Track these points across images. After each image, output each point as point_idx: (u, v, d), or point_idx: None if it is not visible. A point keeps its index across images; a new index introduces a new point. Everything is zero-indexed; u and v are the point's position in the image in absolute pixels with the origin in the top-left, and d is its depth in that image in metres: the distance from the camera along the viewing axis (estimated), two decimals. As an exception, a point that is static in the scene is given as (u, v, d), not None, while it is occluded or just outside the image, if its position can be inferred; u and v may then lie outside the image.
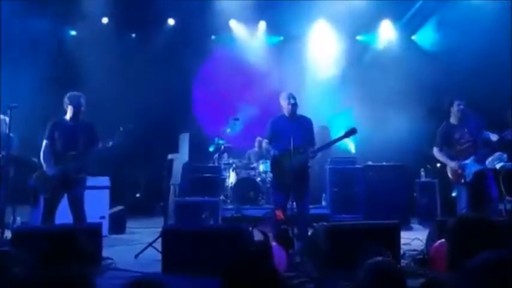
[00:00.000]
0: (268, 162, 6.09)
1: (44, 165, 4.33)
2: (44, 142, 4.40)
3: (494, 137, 4.57)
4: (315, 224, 4.44)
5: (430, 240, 3.98)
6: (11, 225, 4.40)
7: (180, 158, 5.03)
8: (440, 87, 6.91)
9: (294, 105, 4.80)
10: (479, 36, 6.75)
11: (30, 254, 2.14)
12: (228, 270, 1.61)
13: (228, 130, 7.35)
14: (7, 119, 4.48)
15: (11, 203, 4.56)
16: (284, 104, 4.88)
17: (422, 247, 4.28)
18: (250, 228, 3.92)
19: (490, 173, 4.63)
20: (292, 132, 4.60)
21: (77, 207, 4.35)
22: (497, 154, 4.55)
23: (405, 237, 4.49)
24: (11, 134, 4.44)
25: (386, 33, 8.38)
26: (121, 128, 4.42)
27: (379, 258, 1.82)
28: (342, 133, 4.85)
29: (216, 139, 7.22)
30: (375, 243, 3.05)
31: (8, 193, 4.39)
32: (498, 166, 4.56)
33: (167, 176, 4.91)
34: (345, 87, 8.05)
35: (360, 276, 1.74)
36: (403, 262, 3.95)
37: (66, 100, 4.48)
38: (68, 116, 4.47)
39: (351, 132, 4.76)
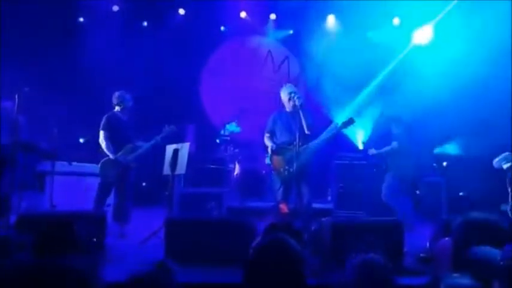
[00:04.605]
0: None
1: (111, 154, 5.00)
2: (102, 133, 5.05)
3: None
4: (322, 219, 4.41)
5: (434, 238, 3.94)
6: (16, 210, 4.44)
7: (186, 147, 5.05)
8: (447, 88, 6.79)
9: (296, 100, 4.72)
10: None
11: (33, 239, 2.15)
12: (255, 254, 1.54)
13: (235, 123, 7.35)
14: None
15: (17, 188, 4.62)
16: (285, 99, 4.83)
17: (425, 245, 4.24)
18: (256, 221, 3.91)
19: None
20: (293, 127, 4.56)
21: (127, 187, 5.09)
22: (504, 154, 4.48)
23: (408, 235, 4.46)
24: (20, 118, 4.49)
25: (395, 30, 8.25)
26: (166, 127, 5.15)
27: (368, 254, 1.79)
28: (339, 124, 4.75)
29: (228, 126, 7.21)
30: (369, 240, 2.99)
31: (14, 178, 4.44)
32: (505, 166, 4.49)
33: (172, 166, 4.92)
34: (353, 84, 7.96)
35: (347, 272, 1.72)
36: (406, 260, 3.92)
37: (117, 98, 5.15)
38: (120, 112, 5.17)
39: (348, 123, 4.65)
